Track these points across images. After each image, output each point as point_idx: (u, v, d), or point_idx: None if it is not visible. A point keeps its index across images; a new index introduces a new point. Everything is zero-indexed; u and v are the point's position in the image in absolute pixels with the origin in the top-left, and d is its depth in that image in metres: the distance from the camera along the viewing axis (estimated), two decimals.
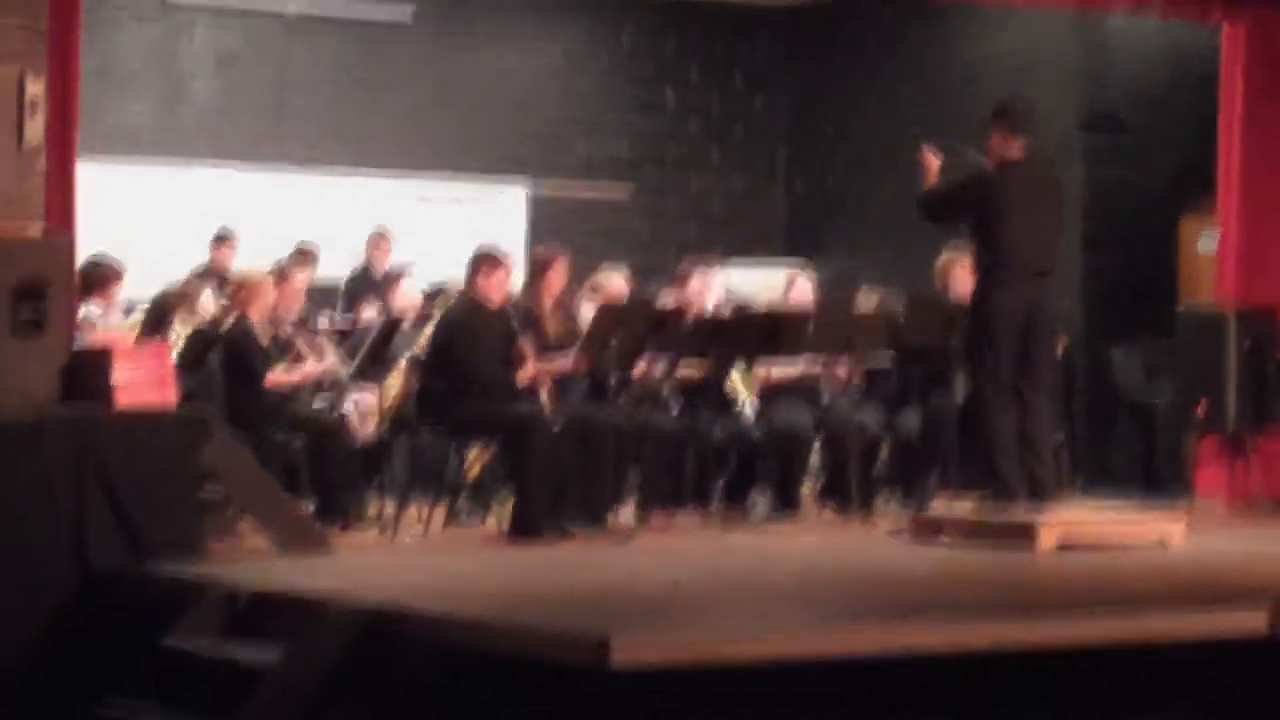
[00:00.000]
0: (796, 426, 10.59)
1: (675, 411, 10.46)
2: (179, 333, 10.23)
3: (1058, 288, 9.60)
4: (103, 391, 7.84)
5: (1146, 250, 13.27)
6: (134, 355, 8.26)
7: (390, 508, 9.89)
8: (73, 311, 8.52)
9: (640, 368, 10.11)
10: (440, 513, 10.01)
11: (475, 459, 10.30)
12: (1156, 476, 12.50)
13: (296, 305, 10.57)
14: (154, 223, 13.38)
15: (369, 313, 12.10)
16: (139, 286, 11.06)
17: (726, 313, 10.77)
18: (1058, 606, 6.34)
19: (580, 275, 10.96)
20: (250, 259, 11.88)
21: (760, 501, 10.82)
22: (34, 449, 7.44)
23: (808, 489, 10.96)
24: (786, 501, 10.62)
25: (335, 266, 13.42)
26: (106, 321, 9.84)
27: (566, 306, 10.33)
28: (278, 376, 9.91)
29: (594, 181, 15.37)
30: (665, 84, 15.74)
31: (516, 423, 9.37)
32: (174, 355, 9.20)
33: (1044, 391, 9.18)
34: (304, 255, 12.61)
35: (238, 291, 10.09)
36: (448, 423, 9.69)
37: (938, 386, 10.73)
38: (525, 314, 9.96)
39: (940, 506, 10.13)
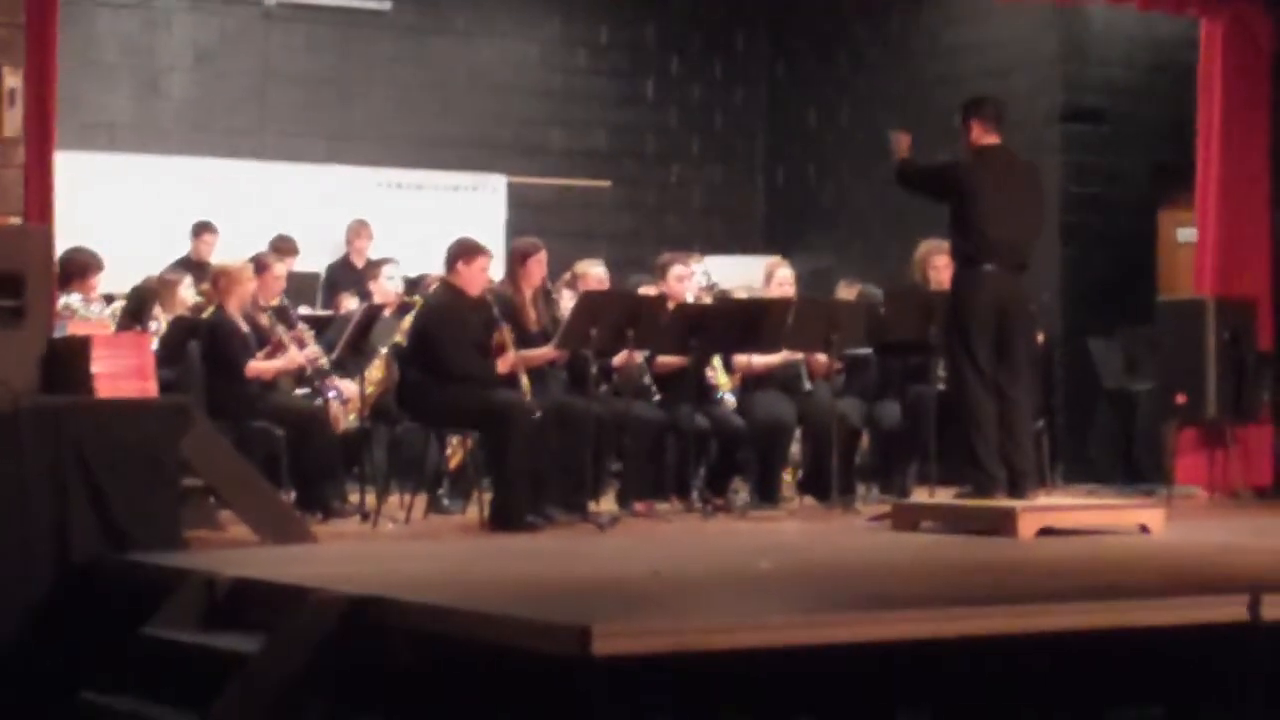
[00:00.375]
0: (777, 416, 10.59)
1: (656, 401, 10.45)
2: (159, 323, 10.23)
3: (1037, 277, 9.61)
4: (82, 381, 7.83)
5: (1126, 241, 13.30)
6: (113, 345, 8.25)
7: (371, 497, 9.88)
8: (52, 301, 8.50)
9: (621, 357, 10.10)
10: (421, 502, 10.02)
11: (456, 448, 10.30)
12: (1136, 466, 12.51)
13: (277, 295, 10.56)
14: (133, 214, 13.34)
15: (350, 303, 12.09)
16: (118, 278, 11.05)
17: (707, 301, 10.78)
18: (1038, 595, 6.35)
19: (558, 269, 10.94)
20: (230, 249, 11.87)
21: (741, 491, 10.82)
22: (13, 438, 7.43)
23: (788, 479, 10.97)
24: (767, 491, 10.62)
25: (315, 257, 13.42)
26: (86, 311, 9.81)
27: (547, 296, 10.32)
28: (258, 366, 9.90)
29: (573, 174, 15.34)
30: (645, 76, 15.71)
31: (497, 412, 9.35)
32: (154, 345, 9.17)
33: (1023, 381, 9.21)
34: (284, 245, 12.61)
35: (217, 281, 10.06)
36: (428, 412, 9.68)
37: (918, 377, 10.75)
38: (505, 303, 9.94)
39: (921, 496, 10.15)
